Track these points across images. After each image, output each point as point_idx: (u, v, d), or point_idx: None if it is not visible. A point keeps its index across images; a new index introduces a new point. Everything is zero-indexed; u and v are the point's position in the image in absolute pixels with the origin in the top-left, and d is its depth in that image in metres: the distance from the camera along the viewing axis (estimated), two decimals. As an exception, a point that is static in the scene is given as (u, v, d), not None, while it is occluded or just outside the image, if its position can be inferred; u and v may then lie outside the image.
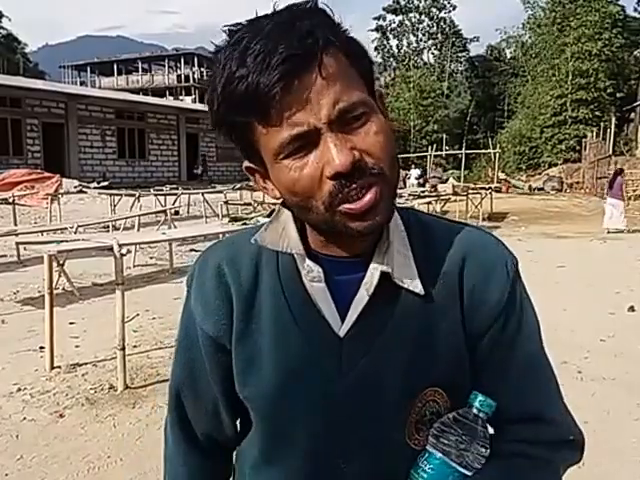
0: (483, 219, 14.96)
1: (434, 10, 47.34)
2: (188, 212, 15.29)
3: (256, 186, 0.87)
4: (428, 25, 48.08)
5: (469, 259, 0.84)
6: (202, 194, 13.14)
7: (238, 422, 0.96)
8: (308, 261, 0.82)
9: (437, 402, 0.83)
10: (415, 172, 25.46)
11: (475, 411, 0.81)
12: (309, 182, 0.73)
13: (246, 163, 0.83)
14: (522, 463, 0.82)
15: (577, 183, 28.46)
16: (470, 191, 15.40)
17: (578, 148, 30.93)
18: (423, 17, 47.80)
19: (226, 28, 0.76)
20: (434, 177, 27.13)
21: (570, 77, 31.89)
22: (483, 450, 0.79)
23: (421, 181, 24.79)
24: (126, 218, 9.81)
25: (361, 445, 0.84)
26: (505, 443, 0.83)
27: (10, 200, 10.11)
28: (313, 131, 0.71)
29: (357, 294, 0.81)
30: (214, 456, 0.98)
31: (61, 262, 6.12)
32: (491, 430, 0.83)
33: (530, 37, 39.23)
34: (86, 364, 4.44)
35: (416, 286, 0.81)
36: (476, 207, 14.77)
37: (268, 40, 0.69)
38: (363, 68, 0.76)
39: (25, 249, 4.57)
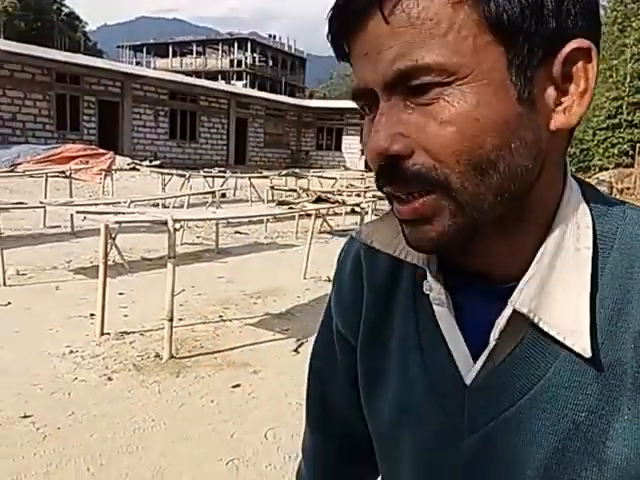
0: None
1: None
2: (234, 195, 15.52)
3: None
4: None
5: None
6: (249, 178, 13.32)
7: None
8: (429, 276, 0.62)
9: None
10: None
11: None
12: (365, 150, 0.55)
13: None
14: None
15: (627, 189, 27.70)
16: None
17: (631, 153, 30.10)
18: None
19: None
20: None
21: (628, 79, 30.99)
22: None
23: None
24: (177, 197, 10.04)
25: None
26: None
27: (67, 174, 10.48)
28: (369, 92, 0.53)
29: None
30: (347, 456, 0.87)
31: (113, 235, 6.34)
32: None
33: (589, 37, 38.23)
34: (133, 333, 4.62)
35: (578, 343, 0.53)
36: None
37: None
38: (506, 10, 0.48)
39: (85, 218, 4.76)
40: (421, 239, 0.54)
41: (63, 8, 51.95)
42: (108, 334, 4.52)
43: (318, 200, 7.39)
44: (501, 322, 0.55)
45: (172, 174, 13.14)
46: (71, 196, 9.96)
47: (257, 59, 53.31)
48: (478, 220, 0.52)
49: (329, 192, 9.73)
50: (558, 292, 0.54)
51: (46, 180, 9.99)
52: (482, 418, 0.60)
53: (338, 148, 31.32)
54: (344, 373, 0.78)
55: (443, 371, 0.63)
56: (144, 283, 6.21)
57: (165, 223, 4.16)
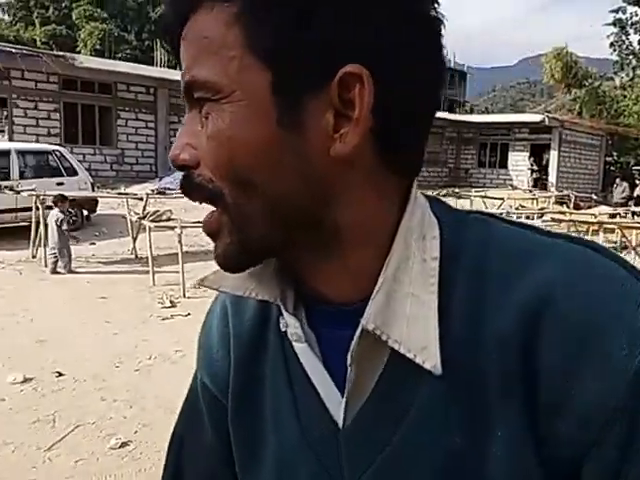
0: None
1: (684, 1, 43.03)
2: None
3: None
4: (676, 19, 43.85)
5: (549, 310, 0.47)
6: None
7: None
8: (284, 312, 0.59)
9: None
10: None
11: None
12: None
13: None
14: None
15: None
16: None
17: None
18: (670, 10, 43.69)
19: None
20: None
21: None
22: None
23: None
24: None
25: None
26: None
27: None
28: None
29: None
30: None
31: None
32: None
33: None
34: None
35: (429, 359, 0.50)
36: None
37: None
38: (270, 36, 0.49)
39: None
40: (215, 256, 0.55)
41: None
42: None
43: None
44: (353, 345, 0.52)
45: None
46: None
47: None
48: (251, 240, 0.52)
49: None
50: (406, 306, 0.51)
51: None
52: (359, 465, 0.55)
53: (504, 165, 30.28)
54: (215, 440, 0.70)
55: (315, 416, 0.59)
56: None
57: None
